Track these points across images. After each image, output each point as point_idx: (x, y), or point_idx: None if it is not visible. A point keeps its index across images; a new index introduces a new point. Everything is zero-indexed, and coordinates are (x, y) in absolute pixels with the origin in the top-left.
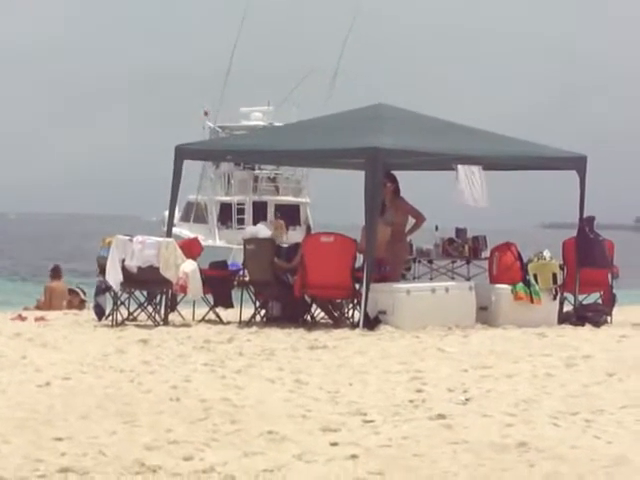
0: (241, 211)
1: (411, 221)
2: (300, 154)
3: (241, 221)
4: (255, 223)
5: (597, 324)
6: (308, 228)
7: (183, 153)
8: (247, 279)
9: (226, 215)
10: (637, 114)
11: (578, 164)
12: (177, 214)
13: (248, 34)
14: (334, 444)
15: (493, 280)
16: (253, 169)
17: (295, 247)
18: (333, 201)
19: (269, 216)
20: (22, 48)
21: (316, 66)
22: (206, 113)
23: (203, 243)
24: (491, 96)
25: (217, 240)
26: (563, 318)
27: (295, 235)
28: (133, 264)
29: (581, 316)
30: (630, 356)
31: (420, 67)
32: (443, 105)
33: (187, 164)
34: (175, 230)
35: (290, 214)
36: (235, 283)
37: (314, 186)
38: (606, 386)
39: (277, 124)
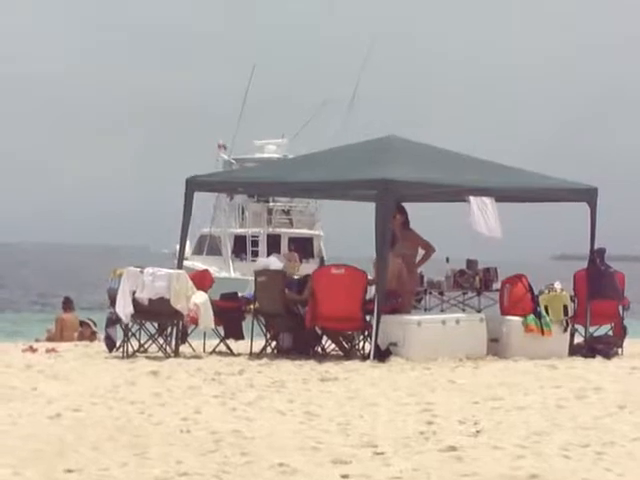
0: (255, 243)
1: (421, 252)
2: (311, 186)
3: (255, 253)
4: (269, 255)
5: (608, 356)
6: (321, 261)
7: (194, 185)
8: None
9: (240, 247)
10: None
11: (589, 196)
12: (189, 247)
13: (264, 65)
14: (345, 476)
15: (504, 312)
16: (267, 201)
17: (306, 279)
18: (345, 234)
19: (283, 248)
20: (29, 75)
21: (330, 98)
22: (220, 146)
23: (218, 275)
24: (496, 124)
25: (232, 272)
26: (574, 350)
27: (308, 268)
28: (144, 296)
29: (592, 348)
30: None
31: (433, 98)
32: (454, 137)
33: (202, 197)
34: (188, 263)
35: (303, 247)
36: (246, 311)
37: (326, 218)
38: (617, 418)
39: (291, 157)
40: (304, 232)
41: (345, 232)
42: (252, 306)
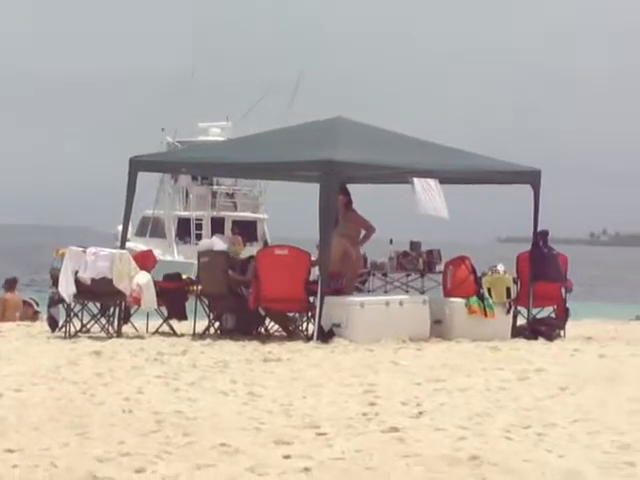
0: (199, 226)
1: (363, 233)
2: (256, 166)
3: (199, 236)
4: None
5: (550, 338)
6: (265, 244)
7: (137, 165)
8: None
9: (184, 230)
10: (594, 129)
11: (532, 178)
12: (131, 228)
13: (211, 47)
14: (287, 457)
15: (447, 294)
16: (211, 184)
17: (249, 260)
18: (290, 215)
19: (227, 232)
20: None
21: (277, 80)
22: (163, 129)
23: (162, 258)
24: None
25: (176, 255)
26: (517, 332)
27: (252, 251)
28: (86, 276)
29: (534, 330)
30: (582, 370)
31: (381, 81)
32: (401, 119)
33: (145, 179)
34: (131, 245)
35: (247, 230)
36: (189, 291)
37: (272, 199)
38: (558, 400)
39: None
40: (248, 215)
41: (290, 213)
42: (195, 287)
